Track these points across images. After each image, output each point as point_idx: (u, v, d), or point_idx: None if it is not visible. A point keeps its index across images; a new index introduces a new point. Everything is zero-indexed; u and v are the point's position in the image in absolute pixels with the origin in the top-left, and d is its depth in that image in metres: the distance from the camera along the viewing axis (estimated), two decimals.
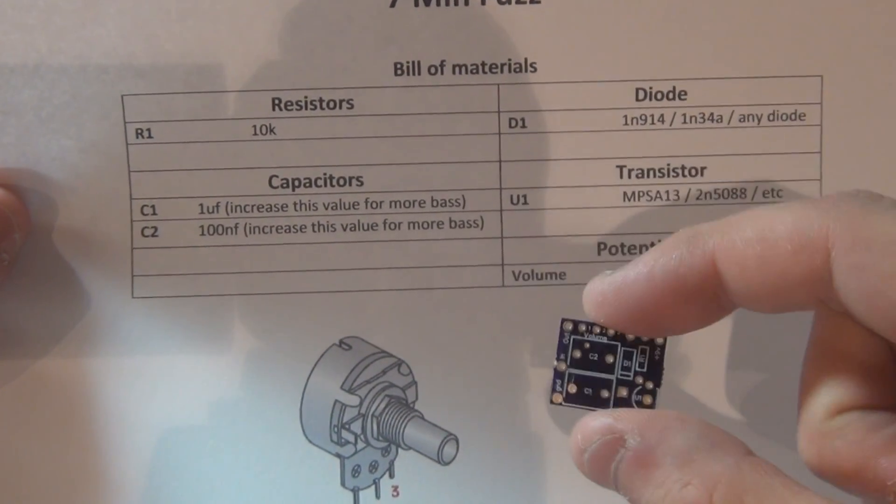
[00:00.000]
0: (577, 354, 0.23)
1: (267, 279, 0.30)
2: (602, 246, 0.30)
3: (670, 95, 0.30)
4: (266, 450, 0.30)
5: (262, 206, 0.30)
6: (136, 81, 0.29)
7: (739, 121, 0.30)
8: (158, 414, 0.30)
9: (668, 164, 0.30)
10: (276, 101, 0.30)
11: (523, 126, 0.30)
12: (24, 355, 0.30)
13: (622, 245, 0.30)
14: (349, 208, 0.30)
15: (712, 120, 0.30)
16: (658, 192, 0.30)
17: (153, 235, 0.30)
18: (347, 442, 0.30)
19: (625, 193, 0.30)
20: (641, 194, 0.30)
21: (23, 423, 0.30)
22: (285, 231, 0.30)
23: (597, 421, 0.22)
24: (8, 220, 0.29)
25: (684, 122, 0.30)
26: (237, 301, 0.30)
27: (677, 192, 0.30)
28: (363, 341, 0.30)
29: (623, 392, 0.23)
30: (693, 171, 0.30)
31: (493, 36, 0.29)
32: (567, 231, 0.30)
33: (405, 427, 0.30)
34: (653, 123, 0.30)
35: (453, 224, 0.30)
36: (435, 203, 0.30)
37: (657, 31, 0.30)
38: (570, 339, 0.23)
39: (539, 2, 0.29)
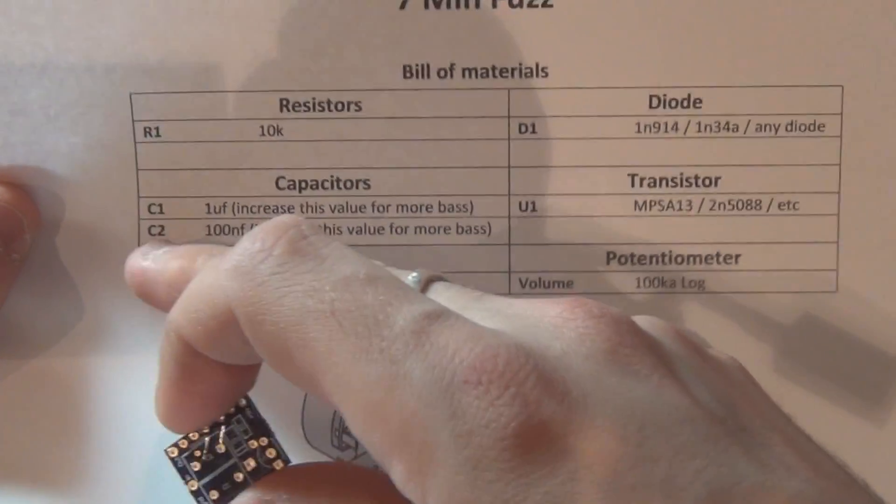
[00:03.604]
0: (197, 466, 0.25)
1: None
2: (611, 255, 0.31)
3: (685, 103, 0.30)
4: None
5: (269, 207, 0.31)
6: (144, 80, 0.30)
7: (756, 130, 0.30)
8: None
9: (682, 174, 0.31)
10: (284, 102, 0.31)
11: (533, 131, 0.31)
12: (29, 351, 0.32)
13: (632, 255, 0.31)
14: (356, 211, 0.31)
15: (728, 129, 0.30)
16: (670, 201, 0.31)
17: (160, 234, 0.31)
18: (348, 446, 0.31)
19: (636, 202, 0.31)
20: (653, 203, 0.31)
21: (25, 419, 0.32)
22: None
23: (246, 497, 0.24)
24: (19, 221, 0.30)
25: (699, 131, 0.30)
26: None
27: (690, 202, 0.31)
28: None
29: (252, 463, 0.25)
30: (707, 181, 0.31)
31: (504, 40, 0.30)
32: (576, 239, 0.31)
33: None
34: (666, 131, 0.30)
35: (460, 230, 0.31)
36: (442, 208, 0.31)
37: (672, 37, 0.30)
38: (181, 461, 0.25)
39: (552, 6, 0.30)
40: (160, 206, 0.31)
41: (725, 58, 0.30)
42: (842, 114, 0.30)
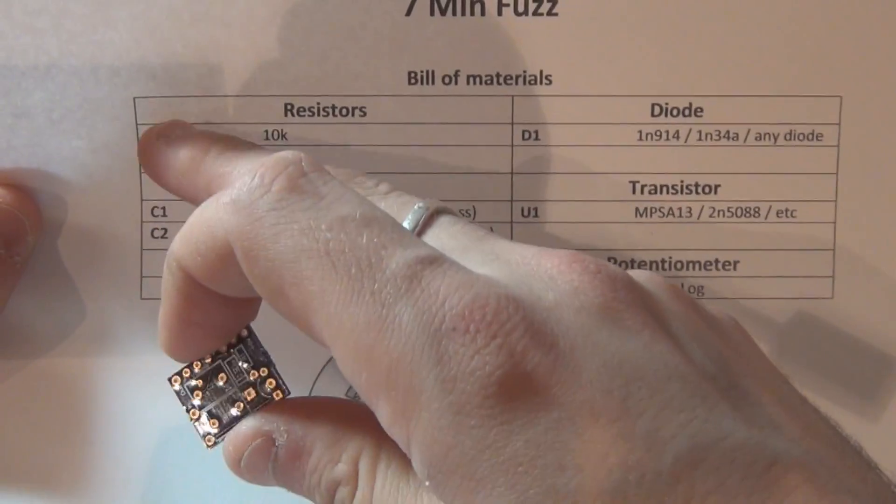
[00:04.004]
0: (198, 395, 0.25)
1: None
2: (612, 261, 0.31)
3: (686, 112, 0.31)
4: None
5: None
6: (148, 84, 0.30)
7: (756, 139, 0.31)
8: (162, 415, 0.32)
9: (682, 181, 0.31)
10: (289, 107, 0.31)
11: (536, 138, 0.31)
12: (32, 353, 0.32)
13: (632, 261, 0.31)
14: None
15: (728, 137, 0.31)
16: (671, 208, 0.31)
17: (163, 237, 0.31)
18: None
19: (637, 209, 0.31)
20: (654, 210, 0.31)
21: (27, 420, 0.32)
22: None
23: (245, 426, 0.25)
24: (21, 224, 0.30)
25: (699, 139, 0.31)
26: None
27: (690, 209, 0.31)
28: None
29: (252, 393, 0.25)
30: (707, 189, 0.31)
31: (508, 47, 0.30)
32: (577, 245, 0.31)
33: None
34: (667, 139, 0.31)
35: None
36: None
37: (675, 46, 0.30)
38: (183, 389, 0.26)
39: (556, 14, 0.30)
40: (163, 209, 0.31)
41: (726, 68, 0.31)
42: (840, 124, 0.31)
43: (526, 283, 0.21)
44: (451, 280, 0.20)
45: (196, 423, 0.26)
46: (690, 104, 0.31)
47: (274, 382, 0.25)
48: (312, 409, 0.25)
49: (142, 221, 0.31)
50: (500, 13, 0.30)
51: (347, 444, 0.23)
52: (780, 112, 0.31)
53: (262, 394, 0.25)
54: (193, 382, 0.26)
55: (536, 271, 0.21)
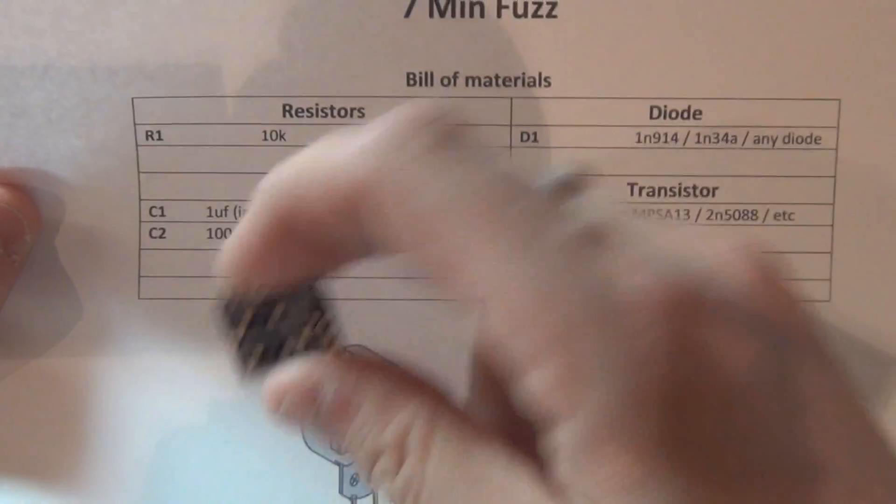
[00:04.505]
0: (243, 329, 0.22)
1: None
2: None
3: (685, 114, 0.31)
4: (266, 455, 0.32)
5: None
6: (146, 84, 0.30)
7: (754, 142, 0.31)
8: (159, 415, 0.32)
9: (680, 184, 0.31)
10: (287, 108, 0.31)
11: (535, 140, 0.31)
12: (30, 352, 0.32)
13: None
14: None
15: (726, 140, 0.31)
16: (669, 211, 0.31)
17: (161, 237, 0.32)
18: None
19: (635, 211, 0.31)
20: (652, 213, 0.31)
21: (24, 419, 0.32)
22: None
23: (293, 369, 0.22)
24: (19, 222, 0.30)
25: (698, 142, 0.31)
26: None
27: (688, 211, 0.31)
28: (368, 350, 0.32)
29: (306, 336, 0.23)
30: (705, 192, 0.31)
31: (507, 49, 0.30)
32: None
33: None
34: (666, 142, 0.31)
35: None
36: None
37: (674, 49, 0.30)
38: (230, 315, 0.23)
39: (556, 16, 0.30)
40: (161, 208, 0.31)
41: (725, 71, 0.31)
42: (838, 127, 0.31)
43: (692, 266, 0.20)
44: (625, 259, 0.19)
45: (235, 355, 0.23)
46: (689, 107, 0.31)
47: (332, 330, 0.23)
48: (366, 366, 0.23)
49: (140, 221, 0.31)
50: (499, 15, 0.30)
51: (399, 411, 0.22)
52: (779, 115, 0.31)
53: (317, 338, 0.23)
54: (244, 310, 0.23)
55: (700, 255, 0.20)
